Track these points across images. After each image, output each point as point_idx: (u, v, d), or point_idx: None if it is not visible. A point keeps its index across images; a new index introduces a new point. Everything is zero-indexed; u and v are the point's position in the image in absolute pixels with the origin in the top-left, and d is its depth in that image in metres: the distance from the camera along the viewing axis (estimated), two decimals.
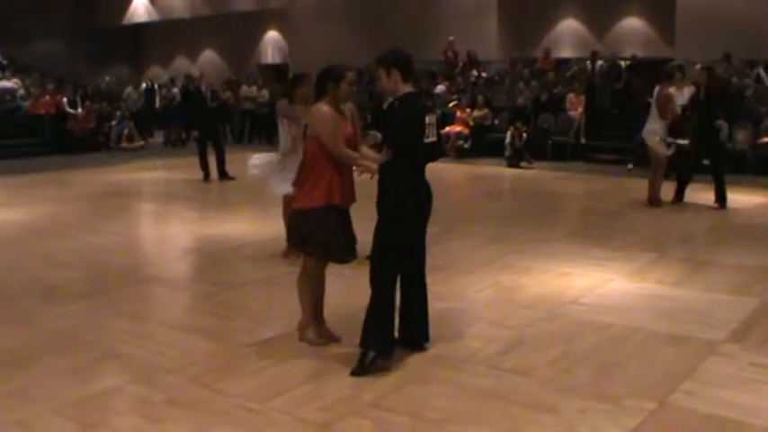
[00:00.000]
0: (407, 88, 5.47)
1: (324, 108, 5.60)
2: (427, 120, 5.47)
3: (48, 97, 22.22)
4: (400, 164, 5.36)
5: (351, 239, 5.82)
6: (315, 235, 5.60)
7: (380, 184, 5.43)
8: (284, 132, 8.18)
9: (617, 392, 4.98)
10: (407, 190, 5.44)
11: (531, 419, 4.65)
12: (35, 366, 5.56)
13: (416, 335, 5.77)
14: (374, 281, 5.46)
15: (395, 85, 5.46)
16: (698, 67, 11.80)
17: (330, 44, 23.93)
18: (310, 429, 4.55)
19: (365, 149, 5.91)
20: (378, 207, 5.46)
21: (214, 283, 7.71)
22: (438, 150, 5.74)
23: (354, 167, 5.66)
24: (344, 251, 5.76)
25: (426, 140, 5.47)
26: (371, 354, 5.34)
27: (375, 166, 5.49)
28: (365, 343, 5.41)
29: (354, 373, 5.28)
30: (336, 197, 5.61)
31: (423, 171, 5.57)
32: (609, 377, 5.25)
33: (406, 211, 5.46)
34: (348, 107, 6.04)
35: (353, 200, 5.83)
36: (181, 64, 32.29)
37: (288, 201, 7.44)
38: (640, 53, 20.90)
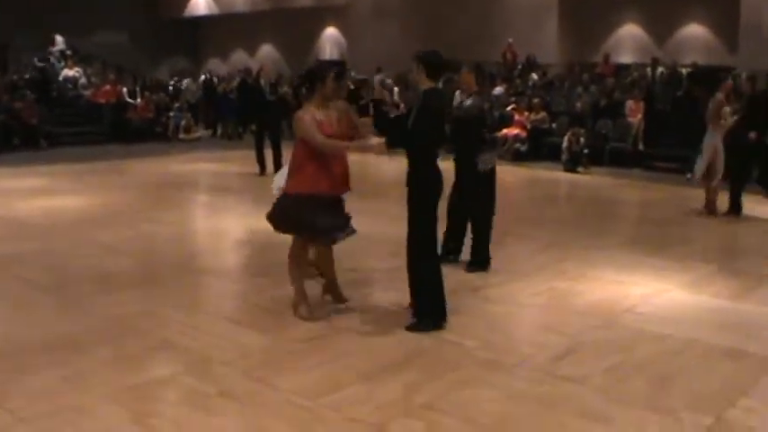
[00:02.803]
0: (429, 84, 6.12)
1: (299, 114, 6.20)
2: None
3: (108, 86, 22.50)
4: (422, 153, 6.04)
5: (339, 221, 6.36)
6: (302, 217, 6.12)
7: (408, 175, 6.08)
8: None
9: (673, 405, 4.89)
10: (432, 178, 6.05)
11: (584, 429, 4.59)
12: (90, 352, 5.63)
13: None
14: (418, 265, 6.12)
15: (419, 78, 6.19)
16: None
17: (389, 42, 23.85)
18: (361, 429, 4.54)
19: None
20: (408, 197, 6.10)
21: (268, 276, 7.70)
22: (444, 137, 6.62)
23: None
24: (330, 231, 6.31)
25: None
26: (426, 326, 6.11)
27: (373, 142, 6.13)
28: (421, 320, 6.14)
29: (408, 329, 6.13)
30: (322, 186, 6.14)
31: (436, 158, 6.21)
32: (665, 389, 5.16)
33: (432, 198, 6.06)
34: (339, 105, 6.43)
35: (345, 189, 6.40)
36: (239, 58, 32.58)
37: None
38: (701, 61, 20.56)
